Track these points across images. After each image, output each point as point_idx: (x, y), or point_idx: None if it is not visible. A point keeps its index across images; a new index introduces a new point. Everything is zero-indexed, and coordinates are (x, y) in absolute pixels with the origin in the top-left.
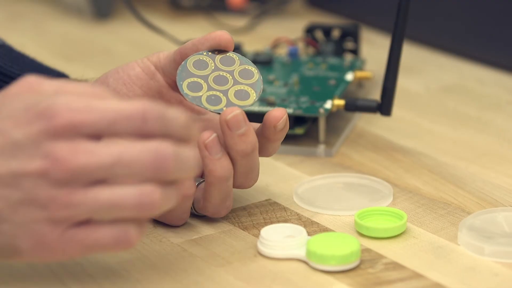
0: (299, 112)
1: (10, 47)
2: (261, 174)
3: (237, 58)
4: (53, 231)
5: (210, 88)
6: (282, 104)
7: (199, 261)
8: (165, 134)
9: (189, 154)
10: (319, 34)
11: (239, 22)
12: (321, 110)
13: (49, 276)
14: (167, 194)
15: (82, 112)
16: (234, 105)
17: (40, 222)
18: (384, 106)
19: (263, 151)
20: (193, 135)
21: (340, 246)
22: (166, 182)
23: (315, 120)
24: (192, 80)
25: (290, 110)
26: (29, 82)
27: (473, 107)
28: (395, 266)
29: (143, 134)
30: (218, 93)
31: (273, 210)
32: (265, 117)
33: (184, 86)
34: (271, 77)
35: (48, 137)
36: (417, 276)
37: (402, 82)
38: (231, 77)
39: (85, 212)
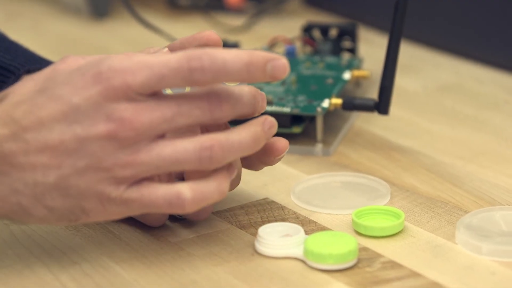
0: (296, 111)
1: (2, 35)
2: (258, 173)
3: None
4: (117, 190)
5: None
6: (280, 102)
7: (197, 260)
8: (214, 79)
9: (242, 90)
10: (316, 33)
11: (237, 21)
12: (319, 109)
13: (47, 276)
14: (224, 146)
15: (133, 70)
16: None
17: (104, 182)
18: (381, 105)
19: (252, 166)
20: (241, 74)
21: (338, 245)
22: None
23: (312, 119)
24: None
25: (288, 109)
26: (72, 59)
27: (471, 106)
28: (393, 265)
29: (193, 82)
30: None
31: (271, 209)
32: (268, 146)
33: None
34: None
35: (106, 99)
36: (414, 274)
37: (400, 81)
38: None
39: (149, 170)
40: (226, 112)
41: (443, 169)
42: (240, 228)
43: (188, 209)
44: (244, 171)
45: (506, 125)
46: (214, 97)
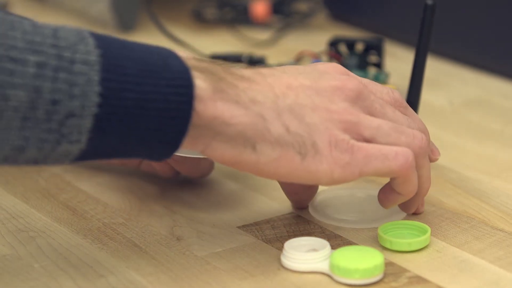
0: None
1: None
2: None
3: None
4: (343, 135)
5: None
6: None
7: (223, 274)
8: None
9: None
10: (342, 48)
11: (263, 35)
12: None
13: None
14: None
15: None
16: None
17: (333, 123)
18: None
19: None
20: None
21: (364, 260)
22: None
23: None
24: None
25: None
26: None
27: (497, 121)
28: (419, 280)
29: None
30: None
31: (297, 223)
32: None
33: None
34: None
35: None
36: None
37: (426, 96)
38: None
39: (370, 129)
40: (421, 150)
41: (469, 184)
42: (266, 242)
43: (410, 170)
44: (269, 185)
45: None
46: (423, 137)
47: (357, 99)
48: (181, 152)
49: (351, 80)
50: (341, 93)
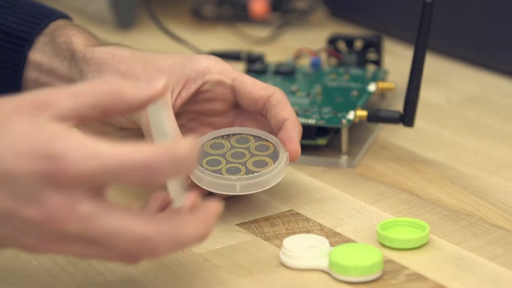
0: (321, 123)
1: None
2: (283, 185)
3: (251, 137)
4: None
5: (228, 162)
6: (305, 114)
7: (222, 272)
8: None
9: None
10: (341, 45)
11: (262, 32)
12: (344, 121)
13: (72, 286)
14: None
15: (87, 162)
16: (253, 172)
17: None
18: (406, 117)
19: None
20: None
21: (363, 257)
22: None
23: (337, 131)
24: (210, 158)
25: (313, 121)
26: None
27: (496, 119)
28: (418, 277)
29: (147, 184)
30: (236, 165)
31: (296, 221)
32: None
33: (203, 163)
34: (294, 87)
35: (48, 183)
36: (439, 287)
37: (425, 93)
38: (247, 151)
39: (65, 254)
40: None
41: (468, 182)
42: (265, 240)
43: None
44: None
45: None
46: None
47: (58, 235)
48: (219, 190)
49: (54, 212)
50: (37, 230)
